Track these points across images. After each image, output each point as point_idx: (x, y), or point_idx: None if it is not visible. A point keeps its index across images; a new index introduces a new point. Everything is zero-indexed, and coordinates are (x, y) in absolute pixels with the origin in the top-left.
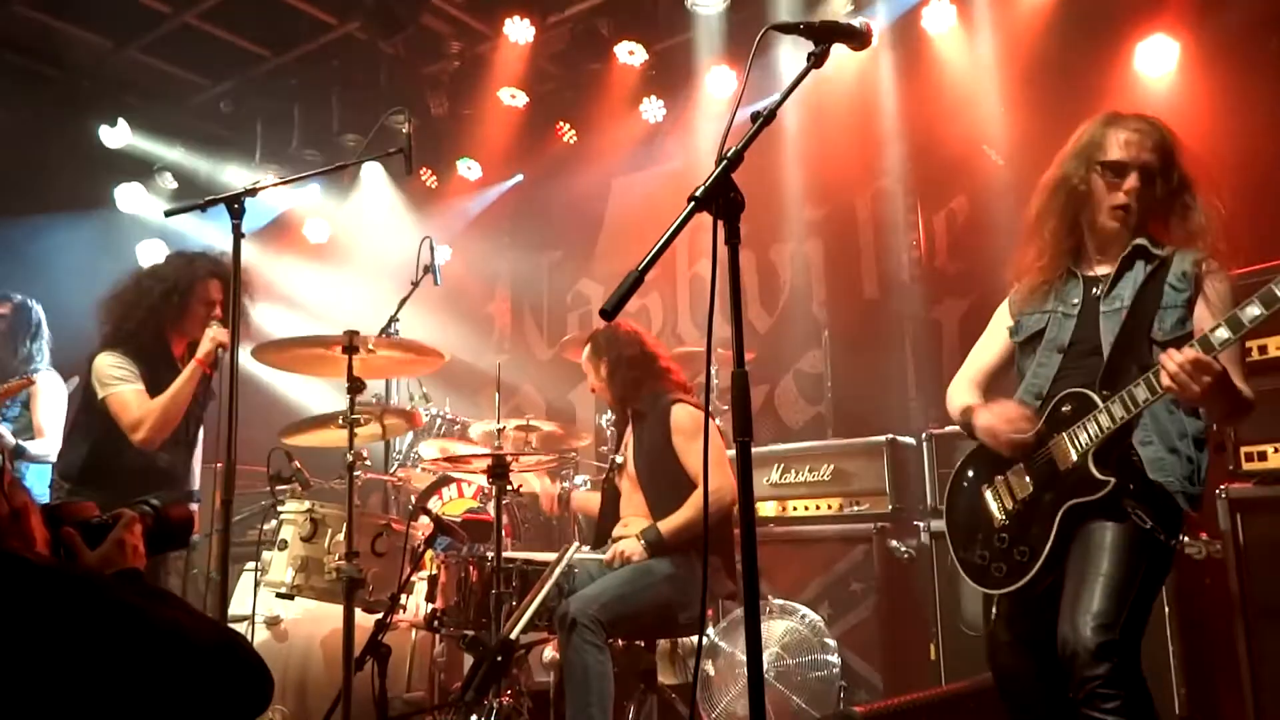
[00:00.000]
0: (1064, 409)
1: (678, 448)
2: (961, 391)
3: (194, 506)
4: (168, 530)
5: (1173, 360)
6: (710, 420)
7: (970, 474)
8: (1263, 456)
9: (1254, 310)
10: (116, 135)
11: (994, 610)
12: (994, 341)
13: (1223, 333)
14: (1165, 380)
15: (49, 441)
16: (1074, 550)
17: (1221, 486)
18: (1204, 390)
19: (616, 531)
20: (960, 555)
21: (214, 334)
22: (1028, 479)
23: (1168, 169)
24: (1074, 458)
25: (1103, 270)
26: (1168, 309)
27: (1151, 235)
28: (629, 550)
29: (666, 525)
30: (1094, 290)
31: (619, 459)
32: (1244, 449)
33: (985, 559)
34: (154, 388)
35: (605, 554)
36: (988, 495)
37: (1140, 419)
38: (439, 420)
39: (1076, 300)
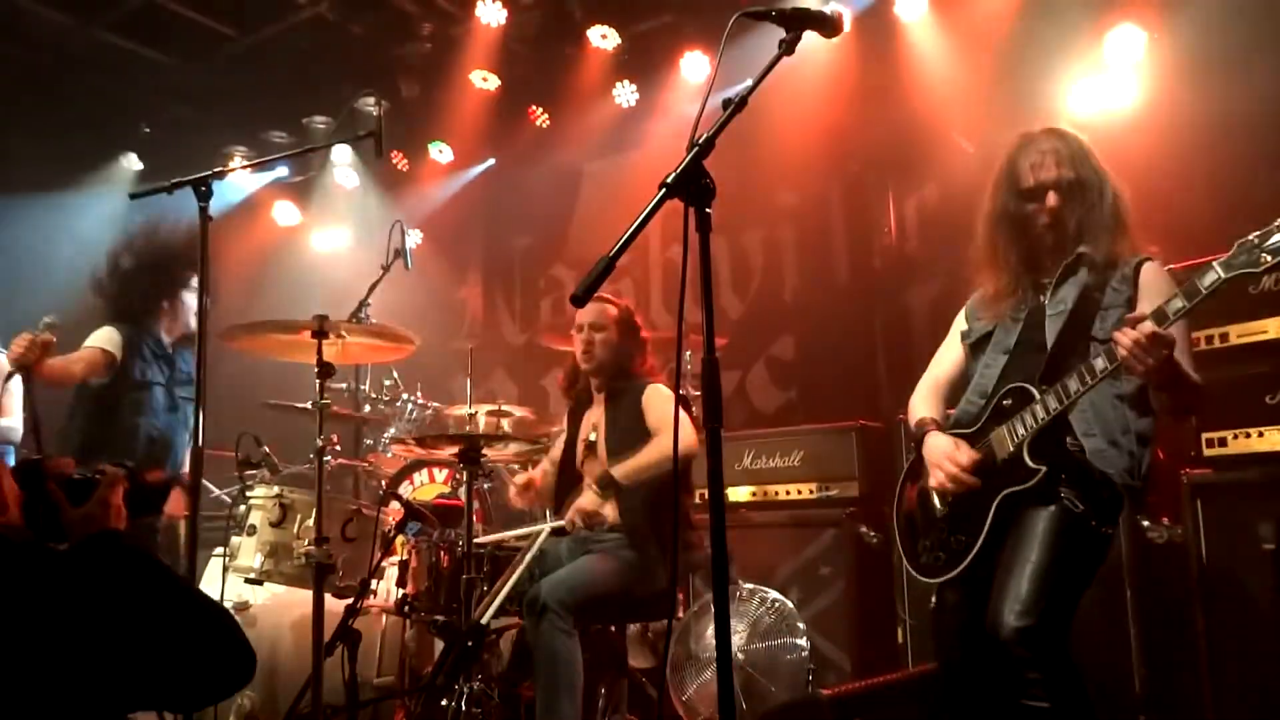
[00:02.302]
0: (1005, 403)
1: (647, 419)
2: (923, 401)
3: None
4: (142, 494)
5: (1127, 335)
6: (686, 404)
7: (915, 473)
8: (1223, 443)
9: (1210, 276)
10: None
11: (934, 600)
12: (951, 349)
13: (1178, 302)
14: (1121, 353)
15: (11, 421)
16: (1008, 539)
17: (1183, 471)
18: (1158, 364)
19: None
20: (906, 548)
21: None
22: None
23: (1083, 178)
24: (1009, 448)
25: (1046, 277)
26: (1109, 309)
27: (1091, 242)
28: (585, 504)
29: (620, 469)
30: (1040, 297)
31: (592, 437)
32: (1205, 435)
33: (928, 548)
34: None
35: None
36: (930, 489)
37: (1081, 412)
38: (410, 405)
39: (1025, 306)
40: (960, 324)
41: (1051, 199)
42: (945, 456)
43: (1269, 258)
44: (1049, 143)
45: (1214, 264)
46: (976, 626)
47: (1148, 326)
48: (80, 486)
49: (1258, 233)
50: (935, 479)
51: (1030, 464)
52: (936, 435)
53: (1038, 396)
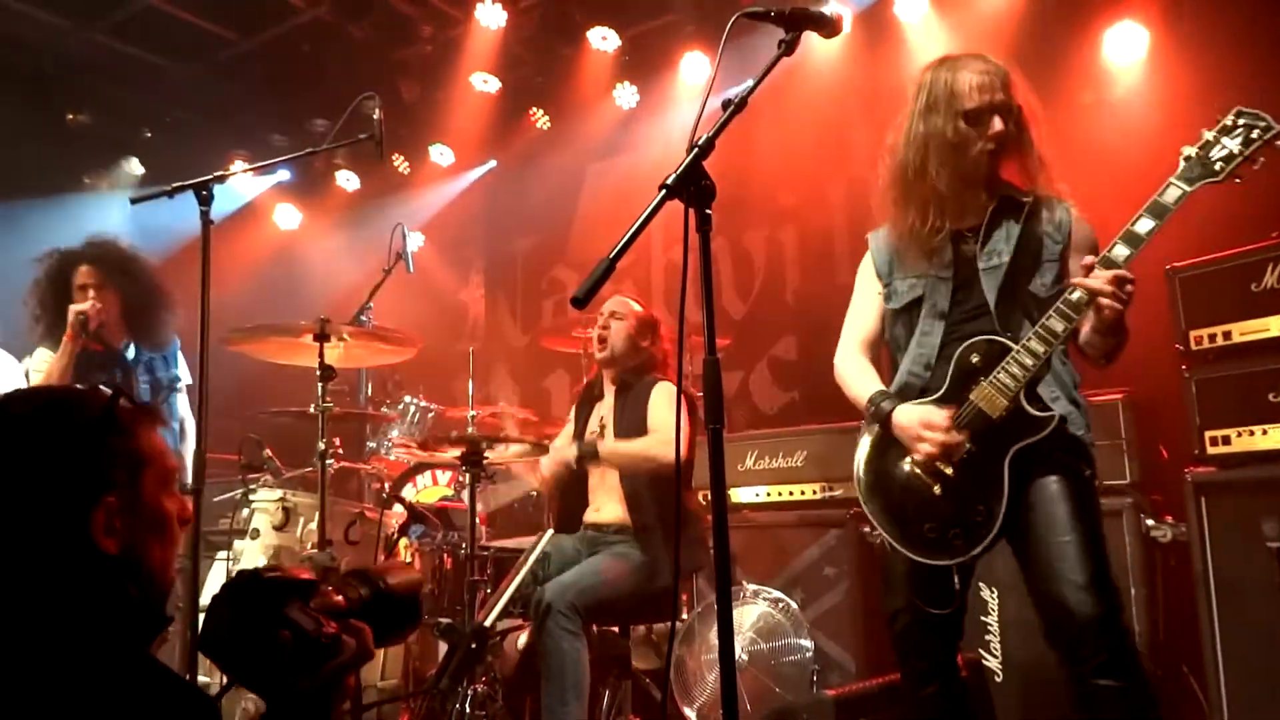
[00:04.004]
0: (972, 359)
1: (649, 415)
2: (862, 372)
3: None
4: (389, 609)
5: (1098, 278)
6: (691, 400)
7: (884, 458)
8: (1226, 441)
9: (1148, 223)
10: (80, 120)
11: (896, 593)
12: (870, 306)
13: (1121, 249)
14: (1105, 289)
15: None
16: (1029, 511)
17: (1186, 470)
18: (1128, 301)
19: (589, 517)
20: (901, 537)
21: (74, 308)
22: (960, 438)
23: (1012, 107)
24: (1004, 402)
25: (969, 223)
26: (1047, 263)
27: (1004, 180)
28: (565, 454)
29: (605, 445)
30: (963, 246)
31: (595, 429)
32: (1208, 433)
33: (936, 530)
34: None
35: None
36: (915, 470)
37: (1048, 367)
38: (413, 408)
39: (949, 259)
40: (870, 276)
41: (997, 124)
42: (924, 425)
43: (1222, 164)
44: (989, 64)
45: (1171, 181)
46: (941, 606)
47: (1112, 270)
48: (314, 647)
49: (1195, 146)
50: (920, 452)
51: (1036, 412)
52: (905, 408)
53: (1014, 345)
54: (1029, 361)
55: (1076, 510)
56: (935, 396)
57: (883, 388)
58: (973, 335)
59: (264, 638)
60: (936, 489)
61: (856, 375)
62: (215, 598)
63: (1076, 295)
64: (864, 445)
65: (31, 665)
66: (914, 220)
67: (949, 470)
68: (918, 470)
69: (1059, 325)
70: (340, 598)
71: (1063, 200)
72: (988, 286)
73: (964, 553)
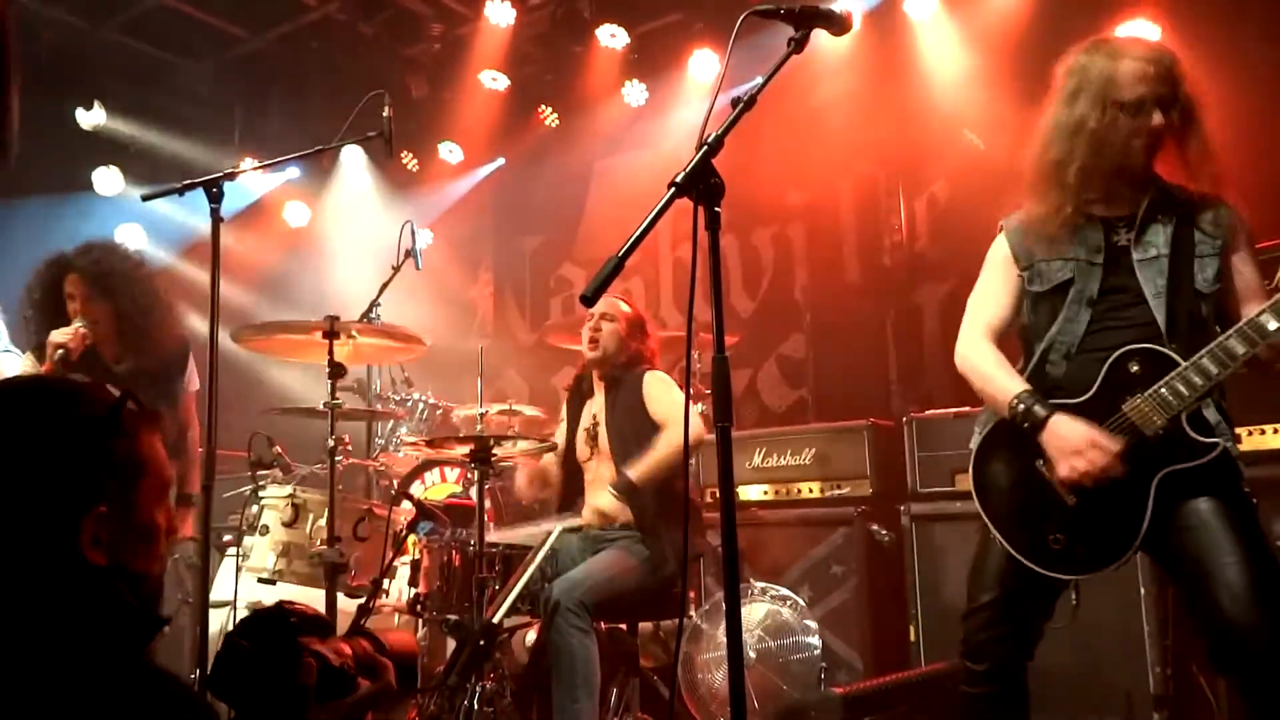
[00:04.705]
0: (1132, 368)
1: (648, 407)
2: (994, 359)
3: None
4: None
5: None
6: (688, 401)
7: (1008, 451)
8: (1237, 440)
9: None
10: (91, 117)
11: (991, 591)
12: (1004, 289)
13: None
14: None
15: None
16: (1184, 530)
17: None
18: None
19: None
20: (1020, 541)
21: (53, 338)
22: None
23: (1176, 99)
24: (1160, 422)
25: (1120, 212)
26: (1205, 258)
27: (1159, 174)
28: (603, 506)
29: (636, 470)
30: (1114, 237)
31: (587, 426)
32: None
33: (1061, 541)
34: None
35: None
36: (1046, 471)
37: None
38: (421, 405)
39: (1099, 246)
40: (1006, 260)
41: (1157, 118)
42: (1090, 444)
43: None
44: (1154, 53)
45: None
46: (1031, 621)
47: None
48: (336, 678)
49: None
50: (1074, 470)
51: (1197, 437)
52: (1065, 419)
53: (1182, 360)
54: (1198, 380)
55: (1239, 530)
56: (1082, 400)
57: (1028, 387)
58: (1123, 324)
59: (287, 668)
60: (1071, 499)
61: (993, 367)
62: (230, 635)
63: (1268, 322)
64: (982, 435)
65: (23, 676)
66: (1061, 205)
67: (1071, 483)
68: (1047, 473)
69: (1240, 347)
70: (348, 647)
71: (1223, 199)
72: (1145, 279)
73: (1090, 570)
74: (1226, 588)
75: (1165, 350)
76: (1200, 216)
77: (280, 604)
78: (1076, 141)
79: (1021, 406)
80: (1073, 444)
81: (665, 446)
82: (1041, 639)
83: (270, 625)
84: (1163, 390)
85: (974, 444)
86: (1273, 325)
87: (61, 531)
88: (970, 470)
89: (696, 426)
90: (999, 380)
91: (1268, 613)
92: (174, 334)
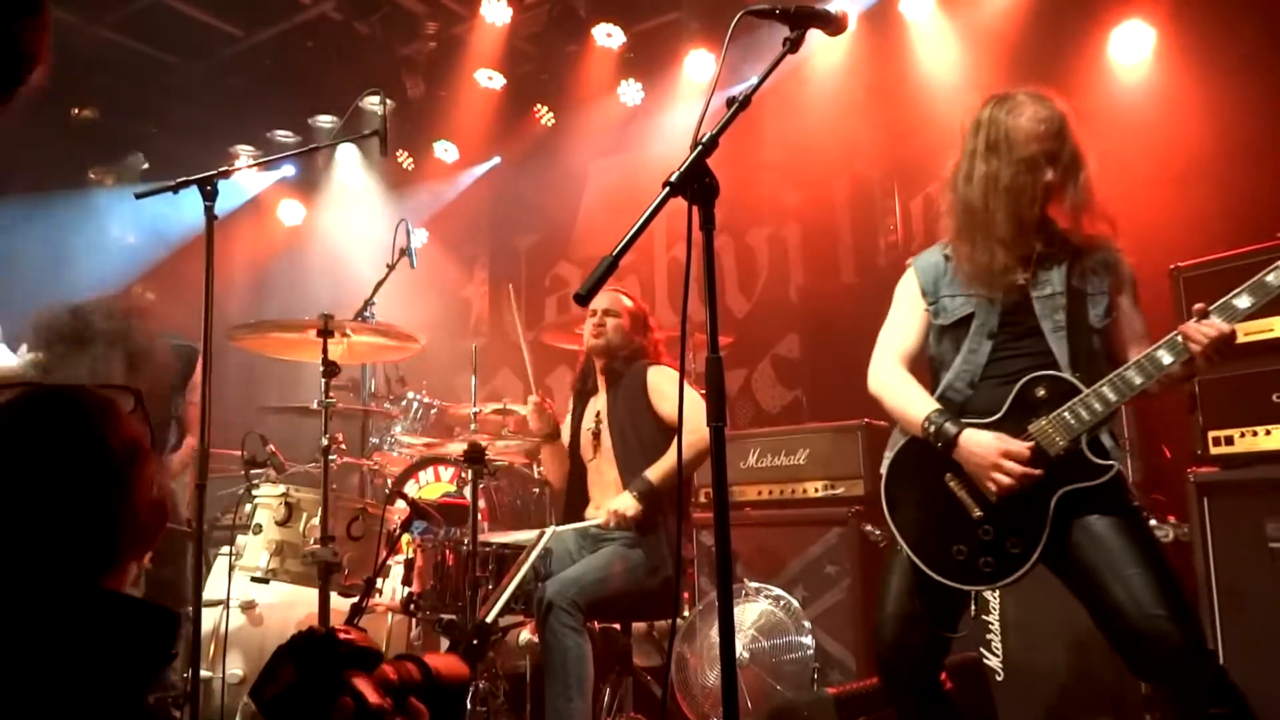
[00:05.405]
0: (1038, 393)
1: (655, 403)
2: (903, 381)
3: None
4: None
5: (1207, 330)
6: (681, 401)
7: (918, 469)
8: (1229, 441)
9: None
10: (86, 115)
11: (898, 604)
12: (912, 321)
13: (1245, 299)
14: (1196, 348)
15: None
16: (1082, 549)
17: (1189, 470)
18: (1220, 361)
19: (589, 514)
20: (927, 553)
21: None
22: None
23: (1064, 150)
24: (1062, 443)
25: (1019, 254)
26: (1095, 296)
27: (1052, 218)
28: (622, 507)
29: (654, 472)
30: (1012, 276)
31: (590, 426)
32: (1211, 433)
33: (964, 553)
34: None
35: (599, 519)
36: (953, 486)
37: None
38: (416, 404)
39: (999, 286)
40: (914, 296)
41: (1049, 175)
42: (1001, 454)
43: None
44: (1042, 108)
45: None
46: (944, 628)
47: (1223, 325)
48: (369, 716)
49: None
50: (999, 483)
51: (1095, 459)
52: (974, 433)
53: (1084, 388)
54: (1098, 407)
55: (1137, 543)
56: (992, 420)
57: (939, 406)
58: (1021, 354)
59: (325, 701)
60: (976, 512)
61: (903, 388)
62: (281, 649)
63: (1162, 354)
64: (893, 453)
65: (26, 702)
66: (973, 251)
67: (993, 497)
68: (961, 491)
69: (1138, 379)
70: (394, 675)
71: (1107, 240)
72: (1042, 314)
73: (991, 581)
74: (1132, 597)
75: (1069, 378)
76: (1090, 257)
77: (333, 630)
78: (992, 193)
79: (933, 426)
80: (989, 458)
81: (686, 450)
82: (950, 649)
83: (318, 653)
84: (1066, 414)
85: (884, 464)
86: (1167, 360)
87: (78, 579)
88: (882, 488)
89: (705, 431)
90: (911, 401)
91: (1176, 613)
92: (162, 362)
